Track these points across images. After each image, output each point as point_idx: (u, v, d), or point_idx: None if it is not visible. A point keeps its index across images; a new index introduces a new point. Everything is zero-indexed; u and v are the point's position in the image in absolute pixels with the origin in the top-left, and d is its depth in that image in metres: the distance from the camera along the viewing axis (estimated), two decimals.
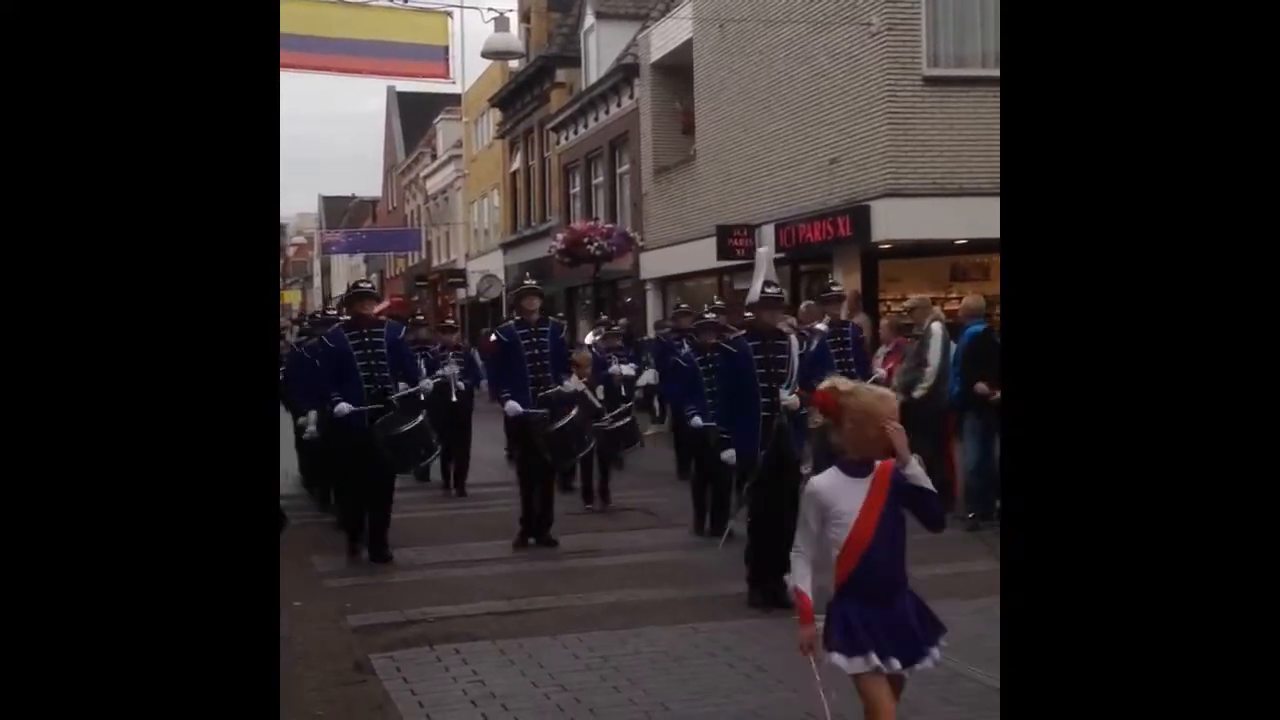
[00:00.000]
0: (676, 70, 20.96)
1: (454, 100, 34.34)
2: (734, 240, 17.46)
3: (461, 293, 34.87)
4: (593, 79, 25.41)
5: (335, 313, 12.43)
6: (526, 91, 29.85)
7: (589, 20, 25.89)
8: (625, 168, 24.12)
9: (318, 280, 64.17)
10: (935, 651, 3.41)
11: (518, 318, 9.03)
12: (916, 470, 3.29)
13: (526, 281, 9.78)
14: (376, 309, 9.45)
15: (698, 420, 8.83)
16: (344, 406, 8.21)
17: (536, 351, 8.74)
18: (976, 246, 13.50)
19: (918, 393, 9.13)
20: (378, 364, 8.35)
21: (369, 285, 9.43)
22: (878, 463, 3.36)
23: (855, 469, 3.38)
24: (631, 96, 23.14)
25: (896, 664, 3.33)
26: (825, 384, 3.46)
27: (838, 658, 3.34)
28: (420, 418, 8.38)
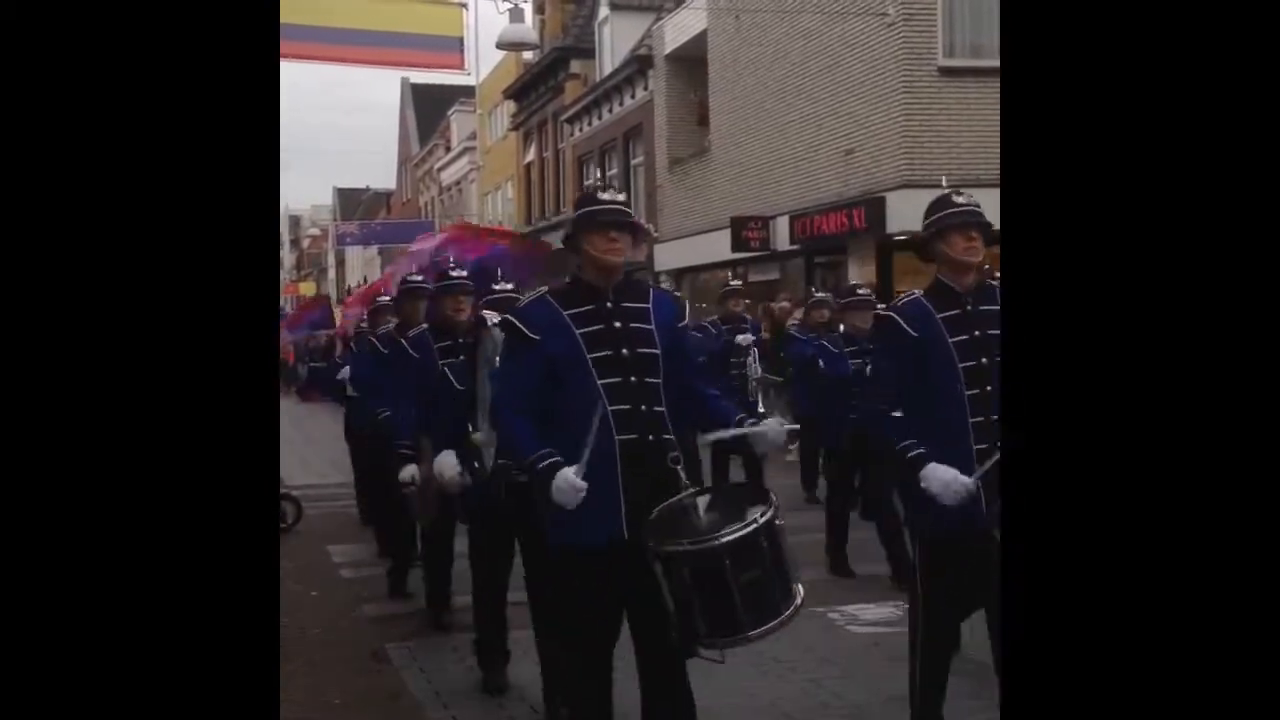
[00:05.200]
0: (691, 61, 20.93)
1: (468, 92, 34.36)
2: (749, 232, 17.43)
3: None
4: (607, 70, 25.38)
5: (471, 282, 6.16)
6: (541, 83, 29.84)
7: (603, 11, 25.86)
8: (639, 159, 24.10)
9: (332, 273, 64.34)
10: None
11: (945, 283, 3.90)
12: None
13: (963, 197, 4.01)
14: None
15: None
16: (573, 485, 3.29)
17: (984, 361, 3.71)
18: (992, 238, 13.43)
19: None
20: (641, 371, 3.48)
21: (615, 196, 3.68)
22: None
23: None
24: (646, 88, 23.11)
25: None
26: None
27: None
28: (770, 511, 3.28)
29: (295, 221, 73.84)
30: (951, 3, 14.53)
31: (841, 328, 7.97)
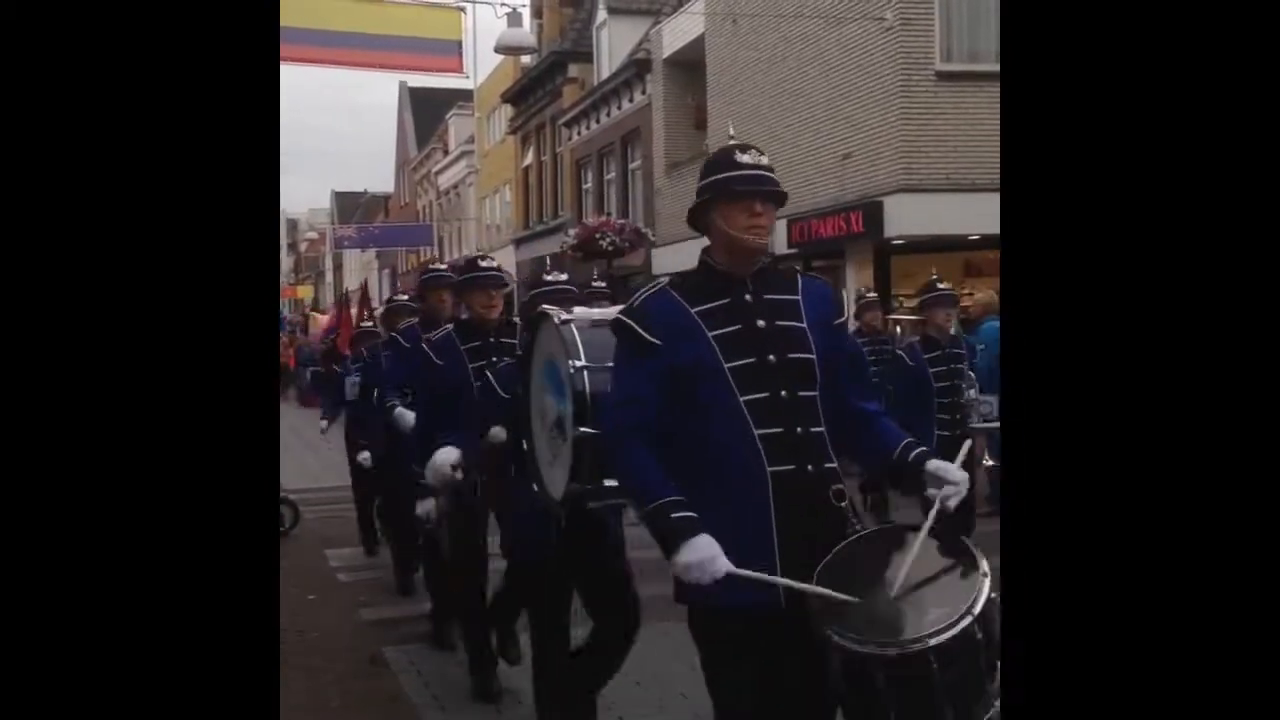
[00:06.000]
0: (689, 65, 20.95)
1: (466, 95, 34.37)
2: None
3: None
4: (605, 74, 25.40)
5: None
6: (539, 87, 29.86)
7: (601, 15, 25.88)
8: (637, 163, 24.11)
9: (330, 276, 64.32)
10: None
11: None
12: None
13: None
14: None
15: None
16: (713, 558, 2.57)
17: None
18: (990, 242, 13.50)
19: None
20: (794, 382, 2.76)
21: (759, 158, 2.83)
22: None
23: None
24: (644, 92, 23.13)
25: None
26: None
27: None
28: (986, 587, 2.53)
29: (293, 225, 73.78)
30: (949, 7, 14.55)
31: (898, 330, 7.30)
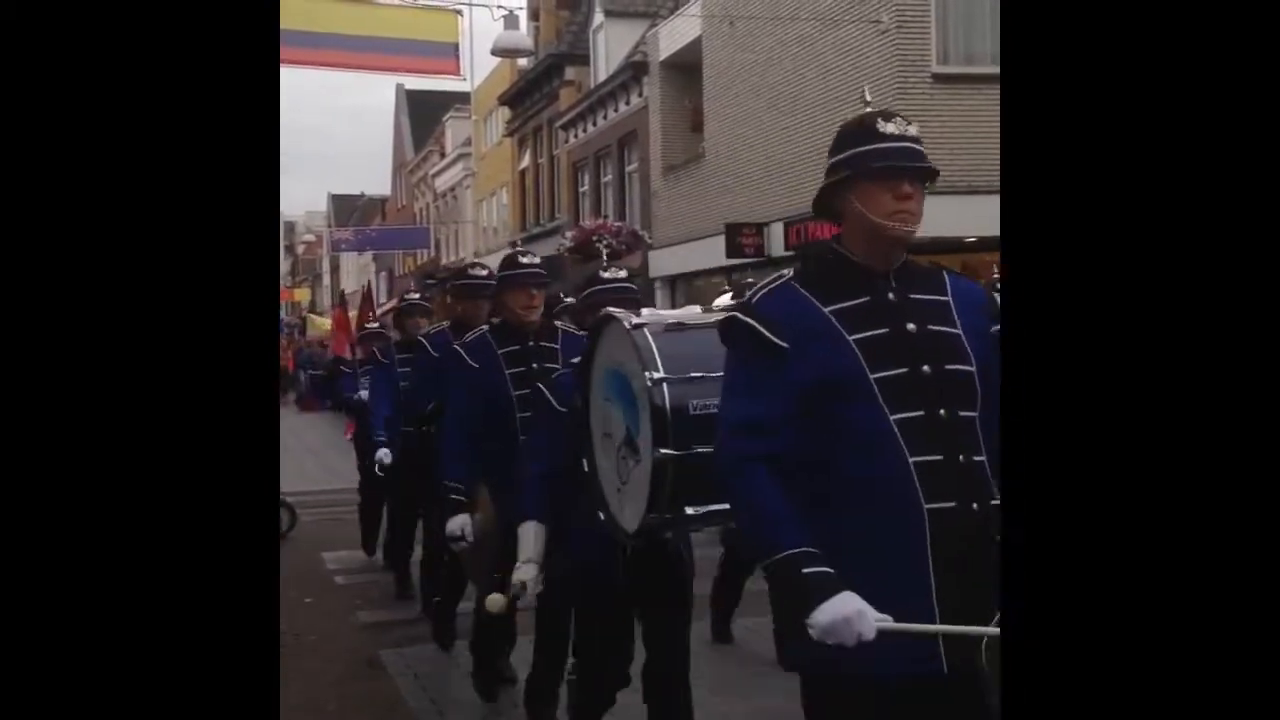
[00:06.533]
0: (685, 68, 20.96)
1: (463, 98, 34.36)
2: (743, 238, 17.47)
3: None
4: (602, 77, 25.41)
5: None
6: (535, 89, 29.87)
7: (598, 18, 25.89)
8: (634, 166, 24.12)
9: (327, 279, 64.28)
10: None
11: None
12: None
13: None
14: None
15: None
16: (861, 614, 2.14)
17: None
18: (986, 244, 13.52)
19: None
20: (953, 400, 2.36)
21: (905, 128, 2.59)
22: None
23: None
24: (640, 94, 23.13)
25: None
26: None
27: None
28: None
29: (290, 227, 73.77)
30: (945, 9, 14.56)
31: None
